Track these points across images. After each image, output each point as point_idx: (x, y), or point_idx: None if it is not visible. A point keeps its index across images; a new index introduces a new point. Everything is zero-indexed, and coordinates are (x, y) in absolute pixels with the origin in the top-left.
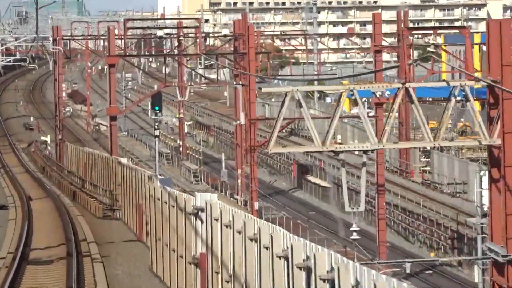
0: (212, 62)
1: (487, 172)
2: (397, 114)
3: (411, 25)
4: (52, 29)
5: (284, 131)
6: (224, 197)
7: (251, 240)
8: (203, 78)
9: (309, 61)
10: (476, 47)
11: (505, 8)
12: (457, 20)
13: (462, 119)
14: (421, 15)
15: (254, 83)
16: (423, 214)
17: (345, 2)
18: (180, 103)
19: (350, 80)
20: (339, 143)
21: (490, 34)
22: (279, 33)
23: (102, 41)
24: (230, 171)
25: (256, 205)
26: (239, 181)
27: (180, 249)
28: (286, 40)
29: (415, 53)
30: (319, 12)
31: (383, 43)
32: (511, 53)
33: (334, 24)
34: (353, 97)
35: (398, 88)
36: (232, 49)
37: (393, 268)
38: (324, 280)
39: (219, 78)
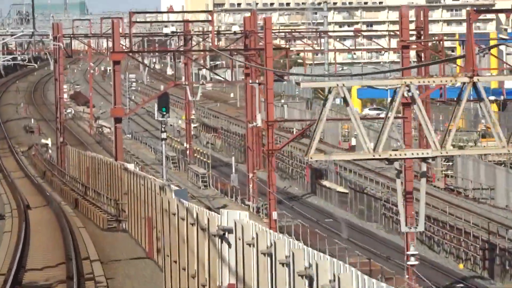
0: (217, 63)
1: None
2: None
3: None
4: (53, 26)
5: (295, 133)
6: (235, 203)
7: (301, 276)
8: (210, 78)
9: (317, 61)
10: None
11: None
12: (465, 20)
13: (483, 121)
14: (429, 15)
15: (272, 82)
16: (449, 222)
17: (350, 3)
18: (187, 104)
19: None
20: (394, 150)
21: None
22: (289, 31)
23: (105, 42)
24: (241, 175)
25: (275, 215)
26: (250, 186)
27: (201, 276)
28: (292, 41)
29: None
30: None
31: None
32: None
33: (340, 24)
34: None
35: (464, 83)
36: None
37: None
38: None
39: (230, 78)
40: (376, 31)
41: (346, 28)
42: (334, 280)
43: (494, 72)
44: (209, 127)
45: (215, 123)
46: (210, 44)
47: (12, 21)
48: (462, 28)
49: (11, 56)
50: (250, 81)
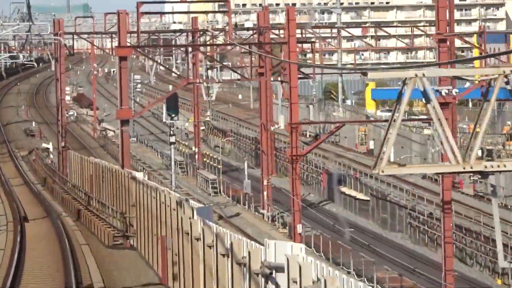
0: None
1: None
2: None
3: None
4: (53, 23)
5: (308, 135)
6: (248, 211)
7: None
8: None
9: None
10: None
11: None
12: (475, 20)
13: (509, 122)
14: None
15: (295, 79)
16: (483, 233)
17: (357, 3)
18: (195, 105)
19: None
20: (488, 160)
21: None
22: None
23: (109, 43)
24: (252, 181)
25: (299, 228)
26: (265, 193)
27: None
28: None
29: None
30: (330, 13)
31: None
32: None
33: (348, 24)
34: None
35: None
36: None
37: None
38: None
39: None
40: (408, 25)
41: (354, 27)
42: None
43: None
44: (218, 130)
45: (224, 125)
46: (222, 40)
47: (12, 20)
48: (472, 28)
49: (9, 54)
50: (272, 79)
